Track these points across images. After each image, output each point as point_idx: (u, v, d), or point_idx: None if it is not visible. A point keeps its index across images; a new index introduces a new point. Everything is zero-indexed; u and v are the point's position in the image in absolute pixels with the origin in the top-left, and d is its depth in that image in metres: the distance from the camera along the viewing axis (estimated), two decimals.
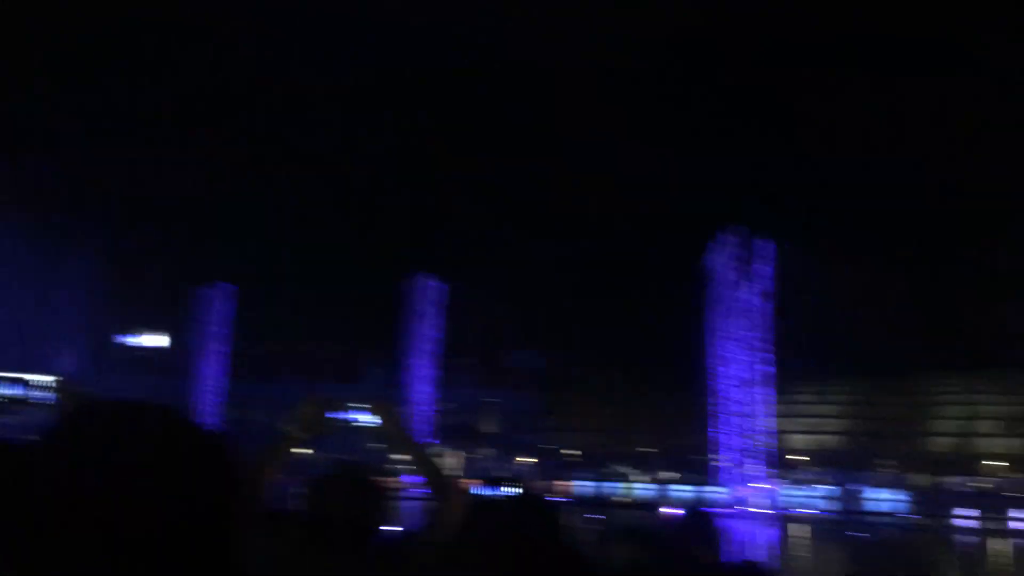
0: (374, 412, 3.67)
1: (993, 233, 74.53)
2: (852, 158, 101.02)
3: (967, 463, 63.93)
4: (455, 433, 73.17)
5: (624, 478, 66.94)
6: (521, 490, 5.55)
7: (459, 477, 66.58)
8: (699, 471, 65.30)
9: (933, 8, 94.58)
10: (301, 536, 3.51)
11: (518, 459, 71.19)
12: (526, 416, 78.74)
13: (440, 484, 3.64)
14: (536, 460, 71.35)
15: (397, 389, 72.34)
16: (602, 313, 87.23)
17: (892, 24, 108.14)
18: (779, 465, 64.58)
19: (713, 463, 63.75)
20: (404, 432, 3.71)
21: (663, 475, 66.34)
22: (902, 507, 55.90)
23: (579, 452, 73.84)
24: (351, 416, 3.78)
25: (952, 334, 67.75)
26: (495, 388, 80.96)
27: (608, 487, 64.69)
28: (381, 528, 3.60)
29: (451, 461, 69.75)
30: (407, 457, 3.75)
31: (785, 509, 56.62)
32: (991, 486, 59.62)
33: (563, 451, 74.39)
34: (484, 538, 3.32)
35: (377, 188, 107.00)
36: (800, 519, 52.00)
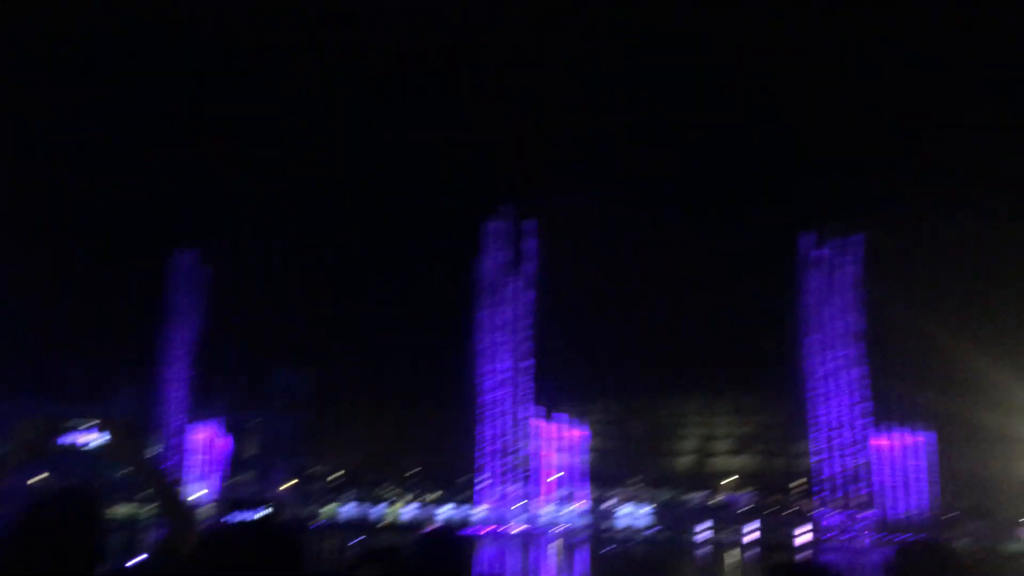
0: (102, 428, 3.42)
1: (738, 265, 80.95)
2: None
3: (705, 479, 69.29)
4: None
5: (390, 500, 66.55)
6: (271, 512, 5.33)
7: (207, 503, 63.41)
8: (463, 490, 66.10)
9: None
10: (12, 569, 3.20)
11: (281, 484, 68.83)
12: (289, 438, 76.30)
13: (173, 509, 3.43)
14: (298, 483, 69.35)
15: (148, 408, 67.56)
16: (374, 325, 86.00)
17: None
18: (538, 483, 66.71)
19: (477, 482, 64.72)
20: (136, 453, 3.48)
21: (428, 496, 66.60)
22: (648, 522, 59.50)
23: (342, 474, 72.60)
24: (80, 438, 3.50)
25: (694, 358, 72.55)
26: (257, 409, 77.71)
27: (374, 510, 64.04)
28: (103, 558, 3.35)
29: (202, 486, 66.27)
30: (144, 480, 3.52)
31: (542, 526, 58.52)
32: (724, 500, 65.04)
33: (329, 474, 72.83)
34: (214, 569, 3.18)
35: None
36: (555, 536, 53.89)
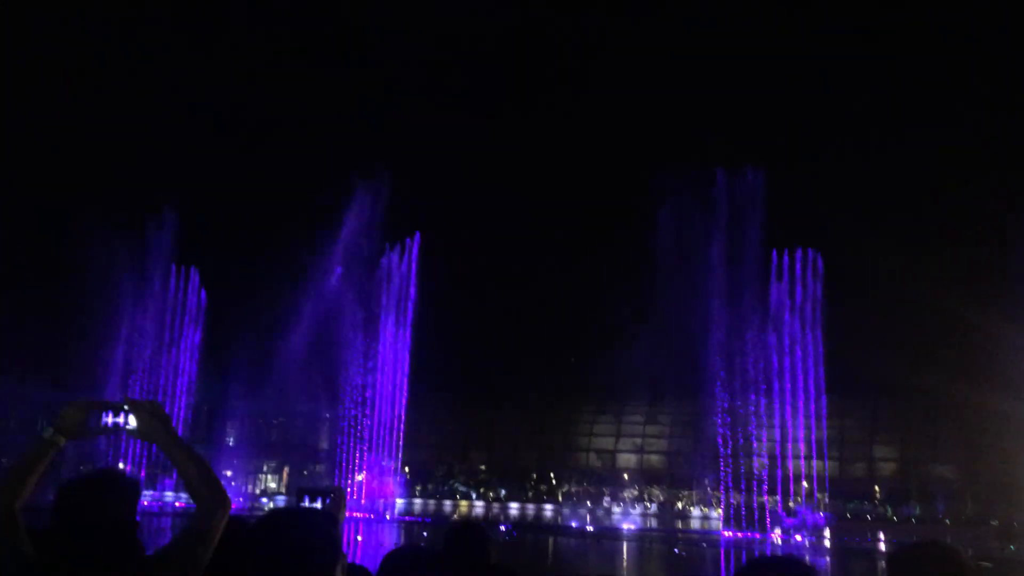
0: (130, 411, 3.43)
1: None
2: None
3: (779, 483, 67.77)
4: (281, 448, 71.05)
5: (465, 495, 67.20)
6: (330, 502, 5.38)
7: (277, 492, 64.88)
8: (533, 488, 66.31)
9: None
10: (49, 551, 3.21)
11: (355, 476, 70.01)
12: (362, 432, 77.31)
13: (203, 492, 3.40)
14: (369, 477, 70.38)
15: (220, 402, 69.20)
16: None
17: None
18: (608, 482, 66.39)
19: (549, 480, 64.73)
20: (164, 432, 3.46)
21: (495, 492, 66.94)
22: (719, 524, 58.63)
23: (407, 468, 73.42)
24: (121, 420, 3.52)
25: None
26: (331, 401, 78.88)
27: (446, 504, 64.64)
28: (136, 541, 3.33)
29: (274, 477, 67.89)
30: (173, 458, 3.51)
31: (611, 526, 58.17)
32: (798, 505, 63.61)
33: (401, 468, 73.73)
34: (240, 553, 3.12)
35: None
36: (625, 537, 53.46)
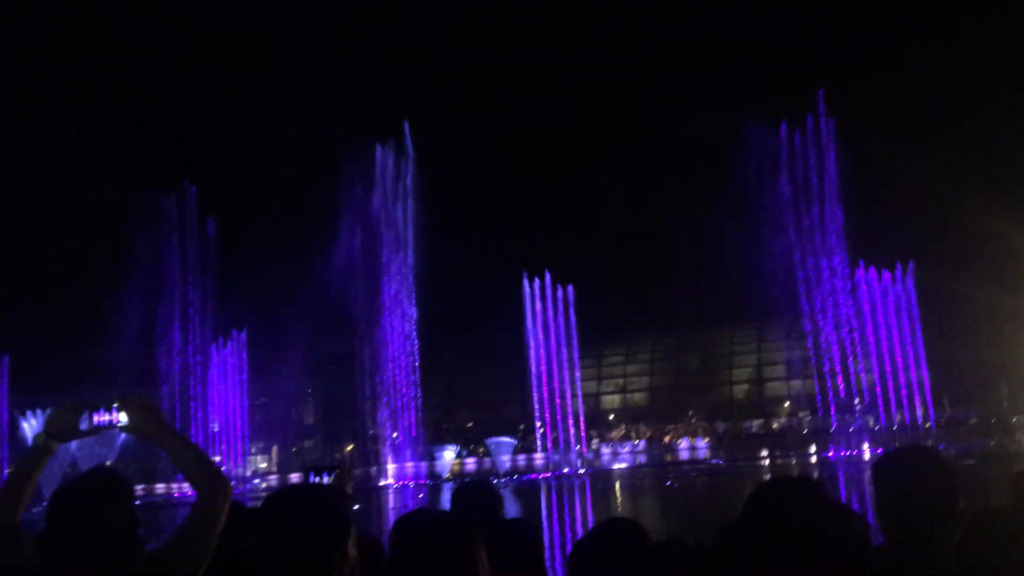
0: (120, 408, 3.42)
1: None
2: None
3: (762, 407, 69.02)
4: (269, 427, 70.91)
5: (458, 453, 67.63)
6: (336, 473, 5.40)
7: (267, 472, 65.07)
8: (521, 439, 66.94)
9: None
10: (51, 559, 3.21)
11: (345, 447, 70.21)
12: (346, 403, 77.29)
13: (201, 479, 3.39)
14: (356, 446, 70.68)
15: (198, 386, 68.62)
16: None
17: None
18: (595, 424, 67.15)
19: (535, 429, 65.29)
20: (157, 426, 3.45)
21: (482, 448, 67.49)
22: (707, 454, 59.69)
23: (396, 434, 73.66)
24: (113, 417, 3.51)
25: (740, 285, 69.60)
26: (312, 376, 78.54)
27: (438, 464, 64.94)
28: (134, 539, 3.33)
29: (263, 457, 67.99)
30: (168, 449, 3.51)
31: (602, 467, 59.00)
32: (781, 427, 64.95)
33: (394, 433, 73.96)
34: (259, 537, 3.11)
35: None
36: (616, 475, 54.25)
